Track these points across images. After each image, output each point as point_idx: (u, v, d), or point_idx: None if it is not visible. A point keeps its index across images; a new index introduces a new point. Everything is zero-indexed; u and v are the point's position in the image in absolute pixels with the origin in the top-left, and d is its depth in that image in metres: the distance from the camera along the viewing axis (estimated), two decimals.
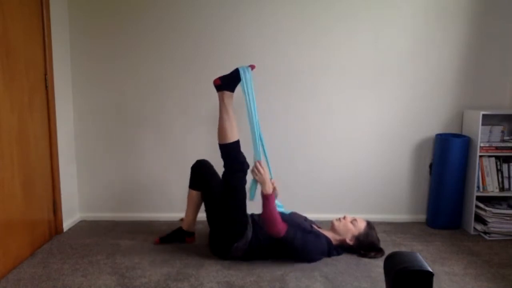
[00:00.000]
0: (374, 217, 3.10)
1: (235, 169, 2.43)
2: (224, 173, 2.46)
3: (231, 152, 2.44)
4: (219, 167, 2.54)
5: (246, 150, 2.47)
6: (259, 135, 2.42)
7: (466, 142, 2.98)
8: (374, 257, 2.52)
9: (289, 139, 3.15)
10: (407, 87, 3.11)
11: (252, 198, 2.46)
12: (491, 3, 3.01)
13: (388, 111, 3.14)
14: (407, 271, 1.50)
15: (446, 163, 2.98)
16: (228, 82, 2.42)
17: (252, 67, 2.42)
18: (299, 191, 3.20)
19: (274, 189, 2.41)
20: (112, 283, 2.19)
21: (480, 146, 2.91)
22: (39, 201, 2.66)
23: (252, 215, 2.56)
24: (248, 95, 2.36)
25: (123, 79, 3.10)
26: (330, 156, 3.18)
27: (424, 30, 3.04)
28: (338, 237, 2.54)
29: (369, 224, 2.58)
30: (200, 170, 2.66)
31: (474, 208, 2.95)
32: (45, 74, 2.72)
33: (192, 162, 2.70)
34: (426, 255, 2.58)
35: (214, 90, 2.47)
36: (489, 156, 2.97)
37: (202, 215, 2.65)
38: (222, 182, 2.49)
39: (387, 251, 2.46)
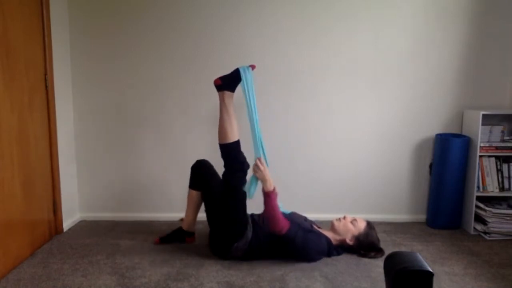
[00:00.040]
0: (374, 217, 3.10)
1: (235, 169, 2.43)
2: (224, 173, 2.46)
3: (231, 152, 2.44)
4: (219, 167, 2.54)
5: (246, 150, 2.47)
6: (259, 135, 2.42)
7: (466, 142, 2.98)
8: (374, 257, 2.52)
9: (289, 139, 3.15)
10: (407, 87, 3.11)
11: (250, 197, 2.44)
12: (491, 3, 3.01)
13: (388, 111, 3.14)
14: (407, 271, 1.50)
15: (446, 163, 2.98)
16: (228, 82, 2.42)
17: (253, 67, 2.42)
18: (299, 191, 3.20)
19: (274, 188, 2.41)
20: (112, 283, 2.19)
21: (480, 146, 2.91)
22: (39, 201, 2.66)
23: (252, 215, 2.55)
24: (249, 95, 2.36)
25: (123, 79, 3.10)
26: (330, 156, 3.18)
27: (424, 30, 3.04)
28: (338, 237, 2.54)
29: (369, 224, 2.58)
30: (200, 170, 2.66)
31: (474, 208, 2.95)
32: (45, 74, 2.72)
33: (192, 162, 2.70)
34: (426, 255, 2.58)
35: (214, 90, 2.47)
36: (489, 156, 2.97)
37: (202, 215, 2.65)
38: (222, 182, 2.49)
39: (387, 251, 2.46)
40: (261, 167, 2.38)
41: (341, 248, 2.56)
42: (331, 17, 3.03)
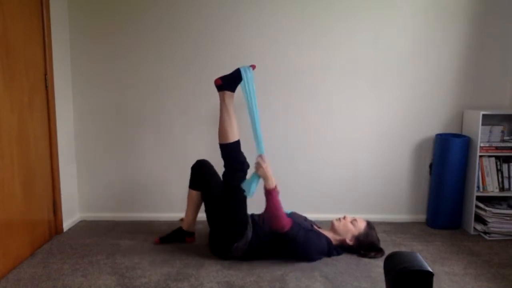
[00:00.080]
0: (374, 217, 3.10)
1: (235, 169, 2.43)
2: (224, 173, 2.46)
3: (232, 152, 2.44)
4: (219, 167, 2.54)
5: (246, 150, 2.47)
6: (260, 134, 2.41)
7: (466, 142, 2.98)
8: (374, 257, 2.52)
9: (289, 139, 3.15)
10: (407, 87, 3.11)
11: (250, 196, 2.40)
12: (491, 3, 3.01)
13: (388, 111, 3.14)
14: (407, 271, 1.50)
15: (446, 163, 2.98)
16: (229, 82, 2.42)
17: (253, 67, 2.42)
18: (299, 191, 3.20)
19: (276, 186, 2.41)
20: (112, 283, 2.19)
21: (480, 146, 2.91)
22: (39, 201, 2.66)
23: (252, 215, 2.55)
24: (250, 95, 2.35)
25: (123, 79, 3.10)
26: (330, 156, 3.18)
27: (424, 30, 3.04)
28: (338, 237, 2.54)
29: (369, 224, 2.58)
30: (200, 170, 2.66)
31: (474, 208, 2.95)
32: (45, 74, 2.72)
33: (192, 162, 2.70)
34: (426, 255, 2.58)
35: (214, 90, 2.47)
36: (489, 156, 2.97)
37: (202, 215, 2.64)
38: (222, 182, 2.49)
39: (387, 251, 2.46)
40: (263, 164, 2.37)
41: (341, 248, 2.56)
42: (331, 17, 3.03)
